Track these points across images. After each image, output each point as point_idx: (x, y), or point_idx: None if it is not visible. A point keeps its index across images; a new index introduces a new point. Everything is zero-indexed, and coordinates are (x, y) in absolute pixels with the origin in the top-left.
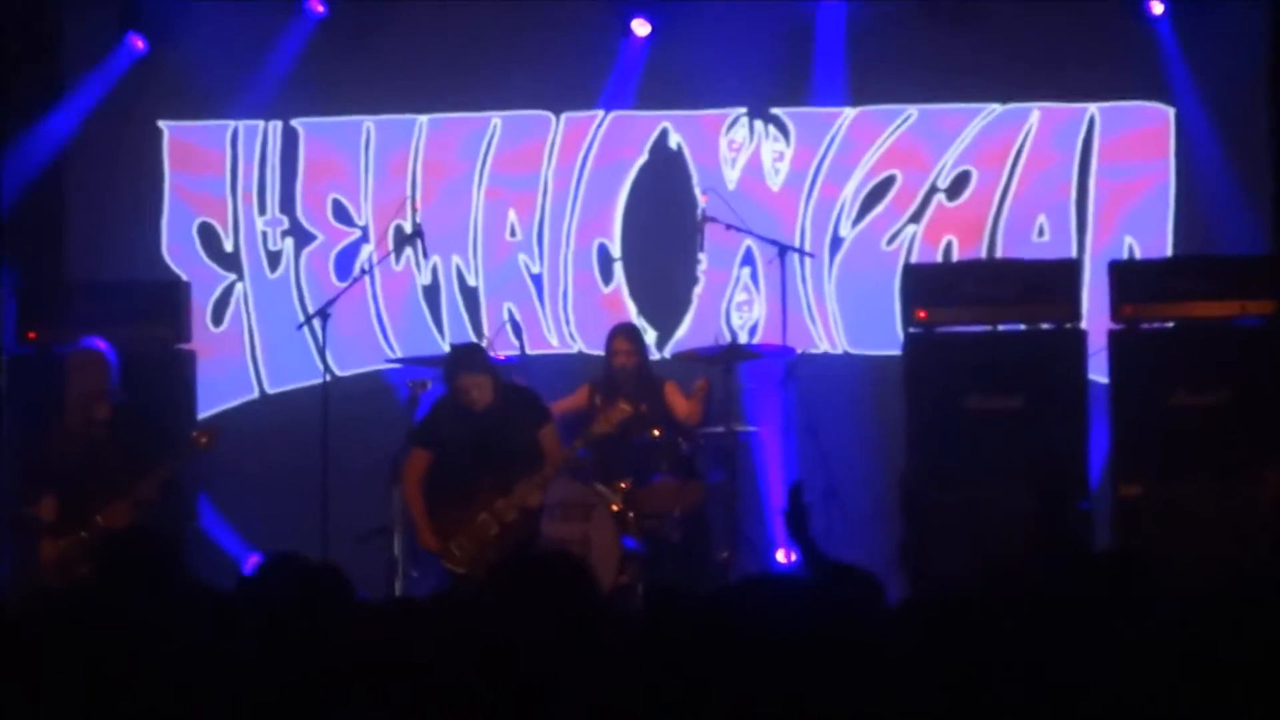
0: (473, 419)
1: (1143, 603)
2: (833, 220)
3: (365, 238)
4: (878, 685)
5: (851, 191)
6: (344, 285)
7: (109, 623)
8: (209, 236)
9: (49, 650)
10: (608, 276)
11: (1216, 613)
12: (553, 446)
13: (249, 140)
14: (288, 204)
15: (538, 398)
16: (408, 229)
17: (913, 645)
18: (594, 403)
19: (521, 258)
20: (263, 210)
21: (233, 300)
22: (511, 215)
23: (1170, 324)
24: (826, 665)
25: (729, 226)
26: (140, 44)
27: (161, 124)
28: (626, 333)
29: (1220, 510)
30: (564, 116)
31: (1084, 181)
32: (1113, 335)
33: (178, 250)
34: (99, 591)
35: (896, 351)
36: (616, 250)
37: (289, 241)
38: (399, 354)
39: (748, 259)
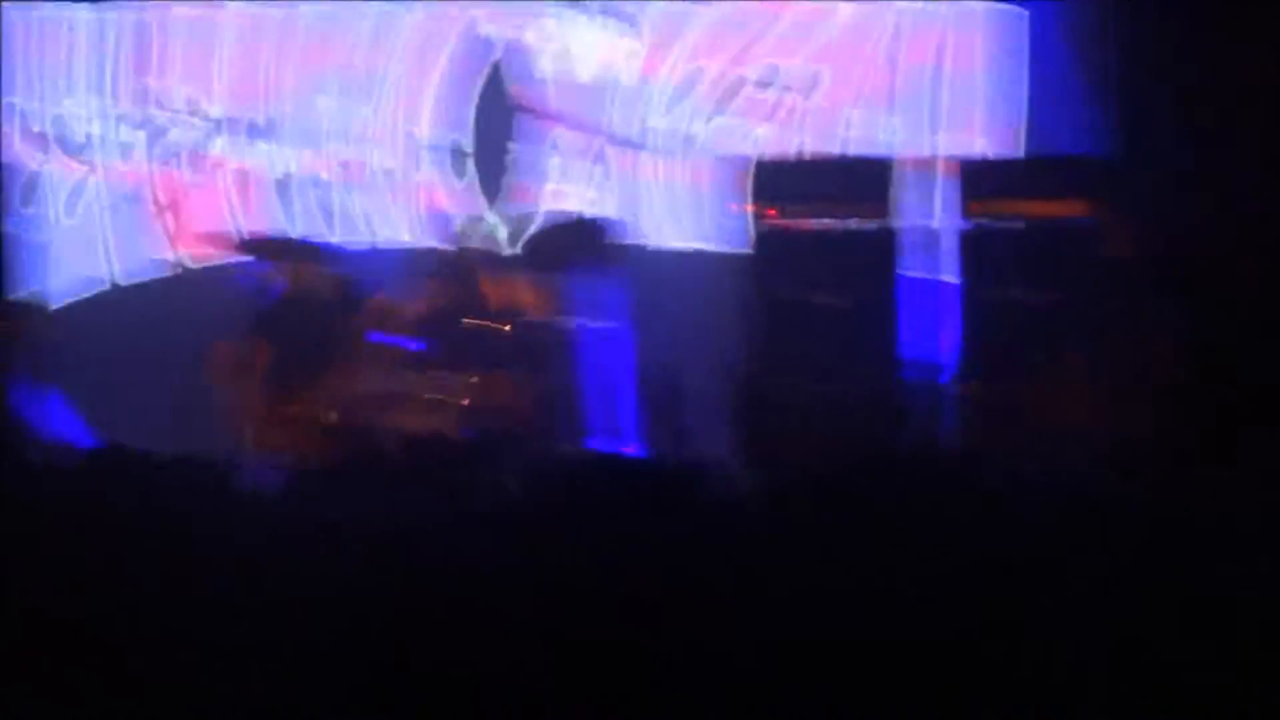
0: (314, 311)
1: (989, 497)
2: (685, 117)
3: (218, 129)
4: (721, 566)
5: (704, 89)
6: (196, 177)
7: None
8: (60, 126)
9: None
10: (461, 171)
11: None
12: (388, 339)
13: (101, 29)
14: (140, 95)
15: (380, 292)
16: (260, 121)
17: (753, 533)
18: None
19: (374, 152)
20: (115, 100)
21: (85, 192)
22: (365, 110)
23: (1018, 224)
24: (672, 545)
25: (581, 124)
26: None
27: (9, 8)
28: (475, 220)
29: (1062, 406)
30: (420, 7)
31: (937, 82)
32: (960, 233)
33: (26, 139)
34: None
35: (745, 249)
36: (468, 145)
37: (141, 134)
38: (249, 247)
39: (598, 155)
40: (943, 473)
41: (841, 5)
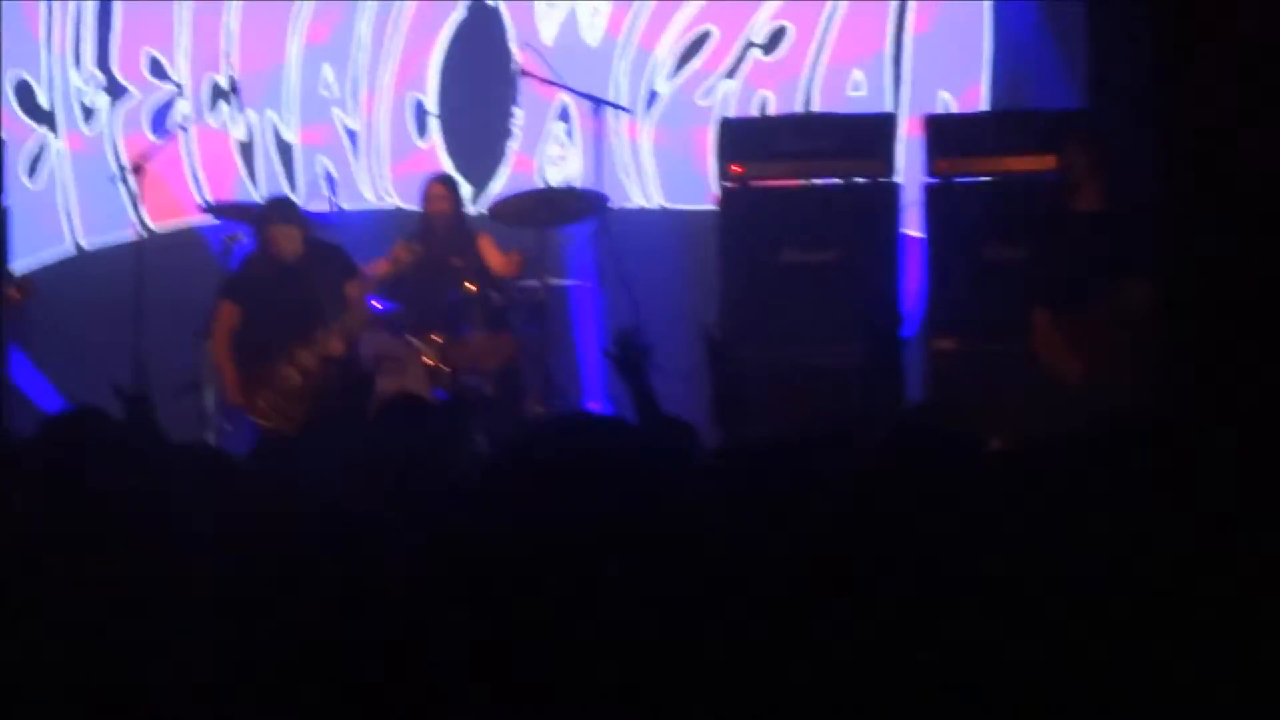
0: (281, 272)
1: (960, 452)
2: (648, 75)
3: (180, 93)
4: (691, 530)
5: (667, 46)
6: (159, 141)
7: None
8: (24, 91)
9: None
10: (423, 131)
11: (1037, 458)
12: (358, 300)
13: None
14: (103, 58)
15: (346, 253)
16: (223, 84)
17: (726, 493)
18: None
19: (337, 113)
20: (78, 65)
21: (48, 155)
22: (327, 70)
23: (985, 178)
24: (642, 507)
25: (545, 81)
26: None
27: None
28: (442, 179)
29: (1032, 361)
30: None
31: (899, 36)
32: (928, 190)
33: None
34: None
35: (711, 206)
36: (432, 105)
37: (104, 97)
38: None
39: (563, 114)
40: (915, 432)
41: None
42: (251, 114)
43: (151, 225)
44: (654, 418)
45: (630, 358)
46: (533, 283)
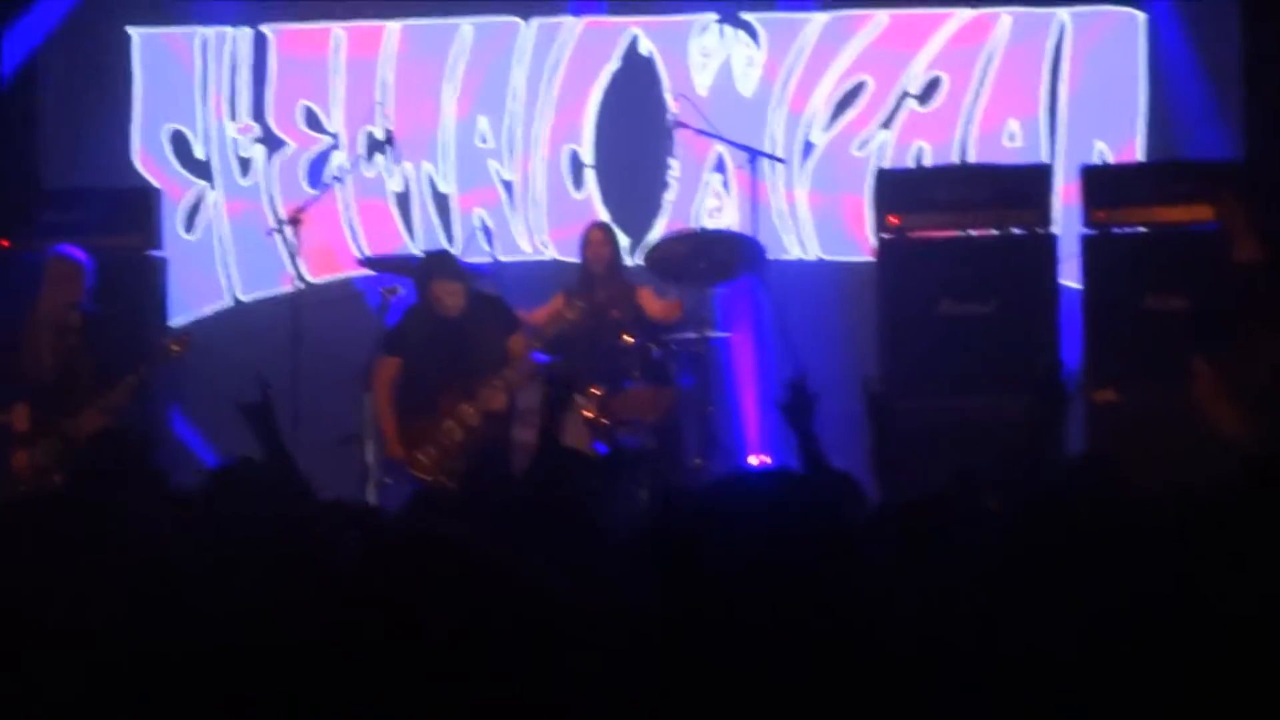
0: (444, 326)
1: (1117, 505)
2: (804, 126)
3: (336, 144)
4: (859, 587)
5: (822, 97)
6: (316, 192)
7: (80, 527)
8: (180, 143)
9: (17, 554)
10: (579, 183)
11: (1188, 512)
12: (520, 353)
13: (219, 47)
14: (258, 111)
15: (508, 306)
16: (379, 135)
17: (889, 549)
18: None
19: (492, 164)
20: (234, 117)
21: (204, 207)
22: (482, 122)
23: (1142, 229)
24: (812, 564)
25: (700, 132)
26: None
27: (131, 30)
28: (601, 226)
29: (1192, 412)
30: (534, 22)
31: (1054, 86)
32: (1085, 240)
33: (149, 157)
34: (72, 495)
35: (868, 258)
36: (588, 156)
37: (260, 148)
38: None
39: (719, 165)
40: (1076, 483)
41: (957, 10)
42: (407, 165)
43: (309, 278)
44: (821, 469)
45: (799, 407)
46: (690, 334)
